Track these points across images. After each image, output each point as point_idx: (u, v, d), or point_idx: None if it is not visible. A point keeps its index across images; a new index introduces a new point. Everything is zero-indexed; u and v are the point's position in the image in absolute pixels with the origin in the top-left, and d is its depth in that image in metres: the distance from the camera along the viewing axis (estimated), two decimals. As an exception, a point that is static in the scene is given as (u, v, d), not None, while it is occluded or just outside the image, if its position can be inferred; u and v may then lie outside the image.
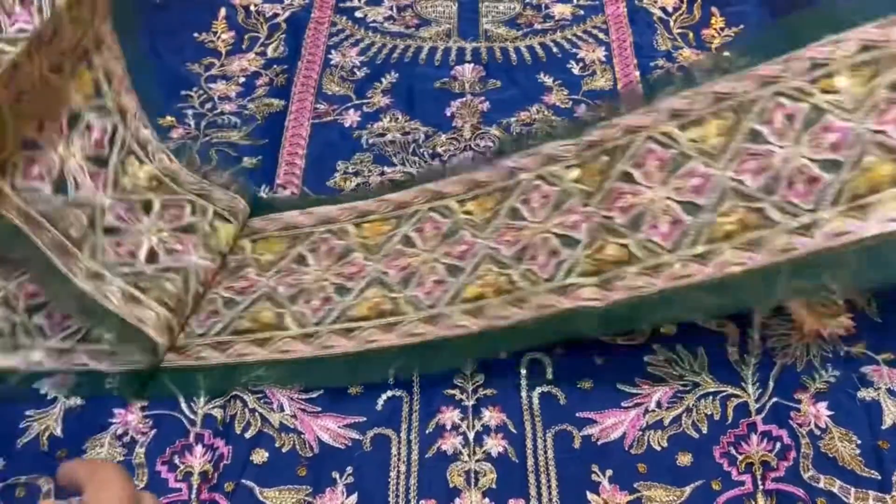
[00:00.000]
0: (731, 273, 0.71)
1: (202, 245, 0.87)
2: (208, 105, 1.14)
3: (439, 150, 1.07)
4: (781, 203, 0.73)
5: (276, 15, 1.30)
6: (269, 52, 1.23)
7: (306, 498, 0.75)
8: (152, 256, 0.84)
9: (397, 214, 0.88)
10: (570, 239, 0.79)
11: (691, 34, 1.23)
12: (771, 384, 0.80)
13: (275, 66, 1.20)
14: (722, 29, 1.23)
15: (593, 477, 0.76)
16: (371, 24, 1.29)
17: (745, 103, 0.78)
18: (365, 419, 0.80)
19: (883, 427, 0.77)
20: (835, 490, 0.73)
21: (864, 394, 0.79)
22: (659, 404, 0.80)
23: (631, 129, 0.81)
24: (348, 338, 0.80)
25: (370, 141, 1.08)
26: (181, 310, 0.83)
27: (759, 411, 0.79)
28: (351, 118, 1.12)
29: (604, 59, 1.20)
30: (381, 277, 0.82)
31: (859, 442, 0.76)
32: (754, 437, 0.77)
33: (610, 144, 0.81)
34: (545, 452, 0.78)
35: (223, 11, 1.29)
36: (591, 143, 0.83)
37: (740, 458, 0.76)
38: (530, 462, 0.77)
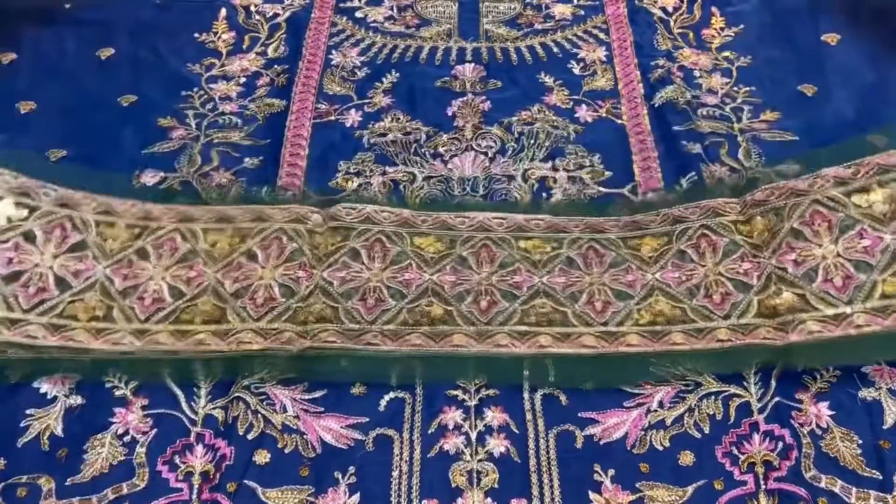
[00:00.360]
0: None
1: (210, 260, 0.90)
2: (209, 105, 1.13)
3: (441, 149, 1.07)
4: None
5: (276, 15, 1.30)
6: (270, 52, 1.23)
7: (308, 498, 0.75)
8: (176, 294, 0.87)
9: (556, 237, 0.93)
10: (743, 284, 0.85)
11: (691, 34, 1.23)
12: (773, 384, 0.81)
13: (275, 67, 1.20)
14: (722, 29, 1.24)
15: (595, 477, 0.76)
16: (371, 24, 1.29)
17: None
18: (367, 420, 0.80)
19: (884, 427, 0.77)
20: (836, 490, 0.74)
21: (865, 393, 0.80)
22: (661, 404, 0.80)
23: (797, 192, 0.89)
24: (522, 341, 0.84)
25: (371, 141, 1.09)
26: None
27: (761, 411, 0.79)
28: (352, 118, 1.12)
29: (604, 58, 1.20)
30: (547, 290, 0.88)
31: (860, 442, 0.76)
32: (756, 437, 0.77)
33: (775, 204, 0.89)
34: (547, 452, 0.78)
35: (223, 12, 1.29)
36: (755, 202, 0.91)
37: (742, 457, 0.76)
38: (532, 462, 0.77)
